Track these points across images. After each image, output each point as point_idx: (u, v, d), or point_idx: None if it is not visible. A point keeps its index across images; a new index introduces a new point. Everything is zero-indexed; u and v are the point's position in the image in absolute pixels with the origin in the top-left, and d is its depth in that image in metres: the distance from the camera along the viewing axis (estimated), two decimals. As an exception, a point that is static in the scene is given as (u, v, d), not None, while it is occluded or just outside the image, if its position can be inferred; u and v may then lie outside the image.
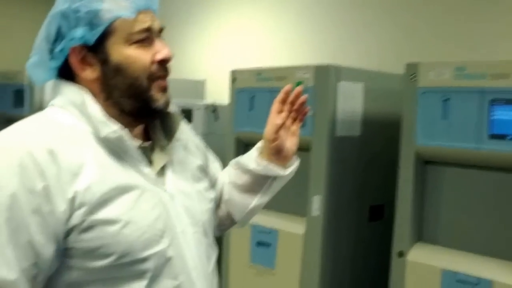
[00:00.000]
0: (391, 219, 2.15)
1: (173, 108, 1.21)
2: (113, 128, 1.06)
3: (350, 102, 2.38)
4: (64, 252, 1.01)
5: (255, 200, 1.38)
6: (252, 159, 1.35)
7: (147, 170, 1.11)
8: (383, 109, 2.52)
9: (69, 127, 1.06)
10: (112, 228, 1.01)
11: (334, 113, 2.33)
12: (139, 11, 1.09)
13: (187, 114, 3.18)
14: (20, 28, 5.12)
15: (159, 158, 1.17)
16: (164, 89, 1.13)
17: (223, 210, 1.44)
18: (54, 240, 0.99)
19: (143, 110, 1.12)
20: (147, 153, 1.15)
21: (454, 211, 2.05)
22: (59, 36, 1.08)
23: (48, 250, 0.98)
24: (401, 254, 2.09)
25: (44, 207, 0.96)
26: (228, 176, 1.43)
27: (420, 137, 2.05)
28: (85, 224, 0.99)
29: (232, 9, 4.09)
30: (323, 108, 2.31)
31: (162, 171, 1.16)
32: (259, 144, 1.37)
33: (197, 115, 3.19)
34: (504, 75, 1.87)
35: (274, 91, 2.48)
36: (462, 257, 1.99)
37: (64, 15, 1.06)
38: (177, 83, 3.92)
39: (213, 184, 1.39)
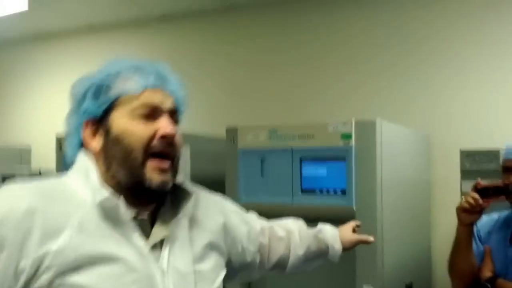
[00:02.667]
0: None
1: (183, 183, 1.19)
2: (105, 194, 1.06)
3: (178, 164, 2.46)
4: None
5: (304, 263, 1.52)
6: (337, 242, 1.52)
7: (140, 242, 1.08)
8: (209, 170, 2.64)
9: (69, 191, 1.09)
10: None
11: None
12: (147, 89, 1.12)
13: (10, 183, 3.00)
14: None
15: (158, 232, 1.12)
16: (161, 170, 1.10)
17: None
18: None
19: (136, 187, 1.10)
20: (145, 225, 1.12)
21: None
22: (74, 113, 1.16)
23: None
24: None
25: (2, 255, 0.97)
26: (299, 233, 1.51)
27: (242, 195, 2.20)
28: (53, 286, 0.98)
29: (55, 72, 4.01)
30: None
31: (160, 246, 1.12)
32: (337, 231, 1.55)
33: (22, 184, 3.02)
34: (310, 136, 2.12)
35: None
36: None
37: (75, 93, 1.16)
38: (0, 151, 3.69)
39: (252, 239, 1.41)
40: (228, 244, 1.31)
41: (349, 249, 1.56)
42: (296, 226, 1.55)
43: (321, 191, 2.07)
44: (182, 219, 1.18)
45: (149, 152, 1.10)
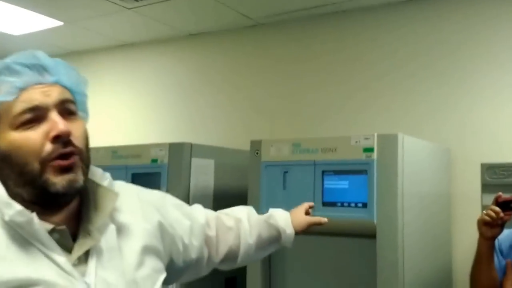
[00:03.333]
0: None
1: (106, 183, 1.07)
2: (17, 208, 0.92)
3: (203, 177, 2.53)
4: None
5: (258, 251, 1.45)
6: (289, 226, 1.46)
7: (61, 259, 0.95)
8: (232, 183, 2.70)
9: None
10: None
11: (188, 188, 2.45)
12: (24, 90, 0.97)
13: None
14: None
15: (81, 243, 0.99)
16: (64, 169, 0.96)
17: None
18: None
19: (43, 197, 0.97)
20: (66, 238, 0.99)
21: (300, 274, 2.24)
22: None
23: None
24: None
25: None
26: (248, 220, 1.43)
27: (264, 207, 2.23)
28: None
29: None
30: (177, 183, 2.42)
31: (86, 259, 0.99)
32: (288, 215, 1.49)
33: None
34: (332, 149, 2.16)
35: (129, 168, 2.57)
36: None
37: None
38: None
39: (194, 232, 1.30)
40: (167, 243, 1.18)
41: (302, 232, 1.49)
42: (245, 213, 1.44)
43: (342, 204, 2.11)
44: (109, 224, 1.04)
45: (47, 159, 0.95)
